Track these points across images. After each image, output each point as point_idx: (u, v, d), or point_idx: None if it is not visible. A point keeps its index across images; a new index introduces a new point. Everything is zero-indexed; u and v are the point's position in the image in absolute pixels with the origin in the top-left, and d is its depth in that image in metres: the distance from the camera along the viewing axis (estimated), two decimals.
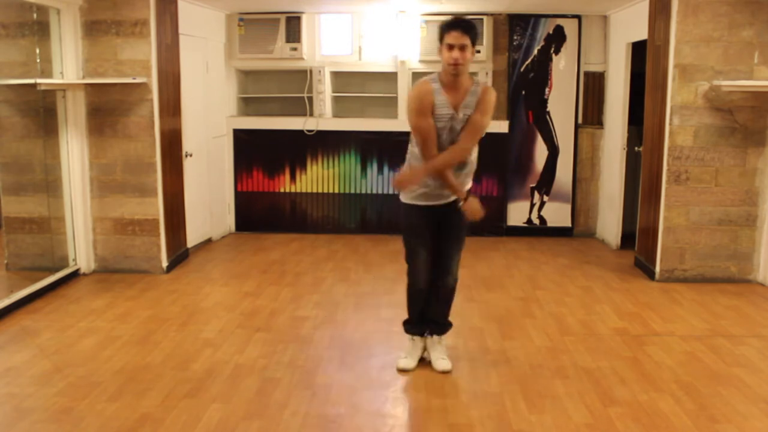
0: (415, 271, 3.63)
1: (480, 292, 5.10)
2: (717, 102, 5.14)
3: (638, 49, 6.06)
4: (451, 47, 3.30)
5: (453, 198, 3.53)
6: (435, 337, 3.75)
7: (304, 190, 7.09)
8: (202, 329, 4.28)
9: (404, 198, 3.61)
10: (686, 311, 4.67)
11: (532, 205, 6.99)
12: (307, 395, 3.37)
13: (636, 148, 6.25)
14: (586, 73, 6.84)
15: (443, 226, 3.60)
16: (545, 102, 6.83)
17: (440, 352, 3.71)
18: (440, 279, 3.66)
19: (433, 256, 3.62)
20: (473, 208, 3.48)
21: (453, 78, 3.38)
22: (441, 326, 3.76)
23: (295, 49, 6.73)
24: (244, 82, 7.22)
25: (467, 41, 3.30)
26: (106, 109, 5.30)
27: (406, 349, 3.76)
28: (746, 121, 5.16)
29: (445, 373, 3.60)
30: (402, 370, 3.65)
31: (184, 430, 3.02)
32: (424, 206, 3.56)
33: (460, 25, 3.32)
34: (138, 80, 5.19)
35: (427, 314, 3.75)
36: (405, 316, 3.78)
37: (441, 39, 3.36)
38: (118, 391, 3.39)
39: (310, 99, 6.91)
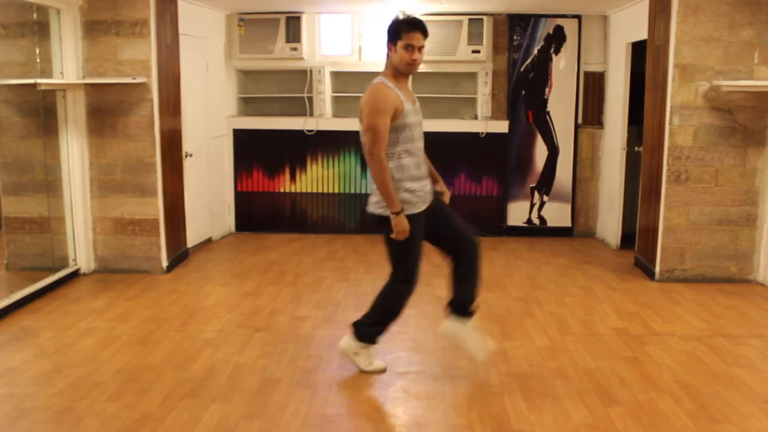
0: (414, 280, 3.52)
1: (480, 292, 5.08)
2: (717, 102, 5.14)
3: (638, 49, 6.06)
4: (411, 48, 3.30)
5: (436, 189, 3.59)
6: (468, 320, 3.60)
7: (304, 190, 7.09)
8: (202, 329, 4.28)
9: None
10: (686, 311, 4.67)
11: (532, 205, 6.99)
12: (307, 395, 3.37)
13: (636, 148, 6.25)
14: (586, 73, 6.84)
15: (438, 213, 3.52)
16: (545, 102, 6.83)
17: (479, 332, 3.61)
18: (470, 252, 3.53)
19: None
20: (404, 225, 3.39)
21: (404, 78, 3.43)
22: (474, 305, 3.62)
23: (295, 49, 6.74)
24: (244, 82, 7.22)
25: (424, 42, 3.34)
26: (106, 109, 5.31)
27: (370, 355, 3.66)
28: (746, 121, 5.16)
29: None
30: (383, 370, 3.64)
31: (184, 430, 3.02)
32: (421, 212, 3.43)
33: (420, 27, 3.32)
34: (138, 80, 5.19)
35: (463, 298, 3.60)
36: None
37: (397, 37, 3.33)
38: (118, 391, 3.39)
39: (310, 99, 6.91)
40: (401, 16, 3.41)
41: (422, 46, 3.33)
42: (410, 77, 3.52)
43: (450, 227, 3.55)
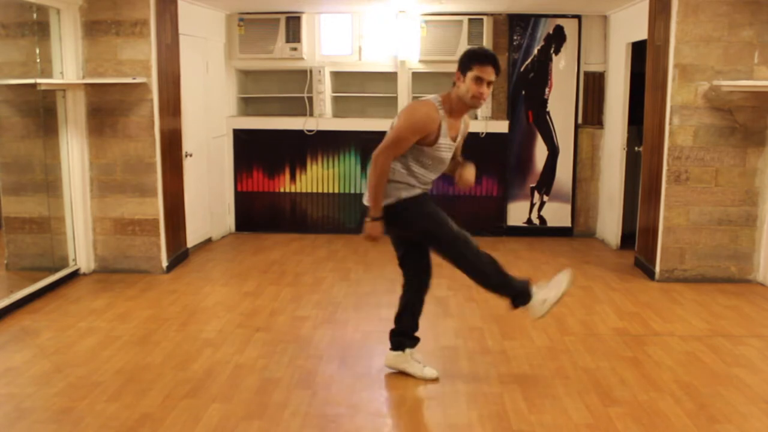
0: (478, 250, 3.31)
1: (480, 291, 5.05)
2: (717, 102, 5.14)
3: (638, 49, 6.06)
4: (480, 81, 3.20)
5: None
6: (410, 351, 3.60)
7: (304, 190, 7.09)
8: (202, 329, 4.28)
9: (404, 194, 3.34)
10: (686, 311, 4.67)
11: (532, 205, 6.99)
12: (307, 395, 3.37)
13: (636, 148, 6.25)
14: (586, 73, 6.84)
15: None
16: (545, 102, 6.83)
17: (421, 360, 3.60)
18: (426, 285, 3.58)
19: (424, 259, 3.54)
20: (377, 232, 3.34)
21: (465, 109, 3.33)
22: (415, 336, 3.64)
23: (295, 49, 6.74)
24: (244, 82, 7.22)
25: (494, 78, 3.24)
26: (106, 109, 5.31)
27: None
28: (746, 121, 5.16)
29: (435, 380, 3.53)
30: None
31: (184, 430, 3.02)
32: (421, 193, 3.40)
33: (494, 62, 3.22)
34: (138, 80, 5.19)
35: (410, 328, 3.59)
36: None
37: (468, 67, 3.22)
38: (118, 391, 3.39)
39: (310, 99, 6.91)
40: (475, 48, 3.35)
41: (491, 82, 3.23)
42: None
43: (425, 257, 3.52)
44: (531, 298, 3.34)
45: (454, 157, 3.50)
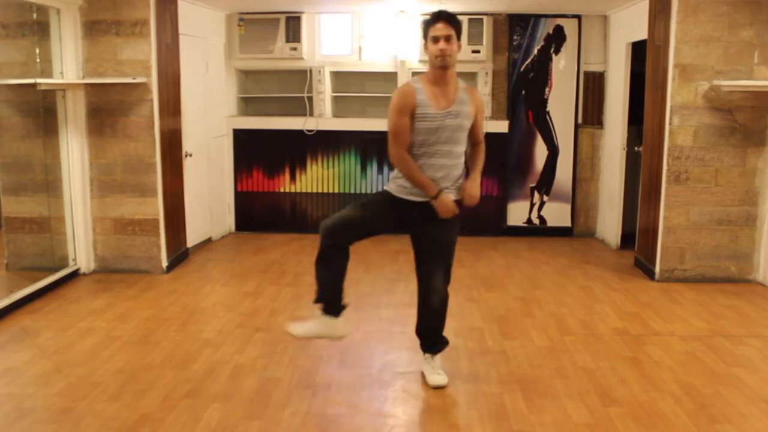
0: (337, 227, 3.33)
1: (480, 292, 5.09)
2: (717, 102, 5.14)
3: (638, 49, 6.06)
4: (436, 39, 3.22)
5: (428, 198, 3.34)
6: (428, 355, 3.55)
7: (304, 190, 7.09)
8: (202, 329, 4.28)
9: (391, 189, 3.37)
10: (686, 311, 4.67)
11: (532, 205, 6.99)
12: (307, 395, 3.37)
13: (636, 148, 6.25)
14: (586, 73, 6.84)
15: (423, 239, 3.42)
16: (545, 102, 6.83)
17: (434, 366, 3.53)
18: (426, 299, 3.46)
19: (367, 236, 3.46)
20: (447, 205, 3.32)
21: (441, 72, 3.27)
22: (433, 344, 3.55)
23: (295, 49, 6.74)
24: (244, 82, 7.22)
25: (452, 32, 3.23)
26: (106, 109, 5.31)
27: (315, 322, 3.46)
28: (746, 121, 5.16)
29: (438, 388, 3.44)
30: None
31: (184, 430, 3.02)
32: (407, 201, 3.34)
33: (443, 17, 3.24)
34: (138, 80, 5.19)
35: (418, 331, 3.58)
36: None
37: (425, 34, 3.28)
38: (118, 391, 3.39)
39: (310, 99, 6.91)
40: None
41: (449, 35, 3.21)
42: (449, 74, 3.30)
43: (426, 265, 3.45)
44: (335, 315, 3.41)
45: (471, 137, 3.43)
